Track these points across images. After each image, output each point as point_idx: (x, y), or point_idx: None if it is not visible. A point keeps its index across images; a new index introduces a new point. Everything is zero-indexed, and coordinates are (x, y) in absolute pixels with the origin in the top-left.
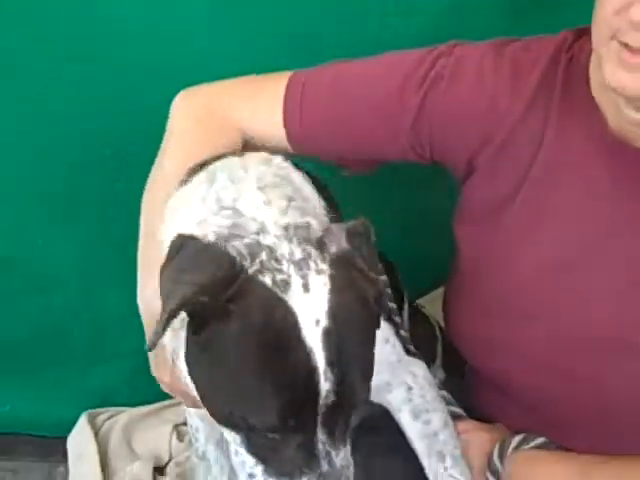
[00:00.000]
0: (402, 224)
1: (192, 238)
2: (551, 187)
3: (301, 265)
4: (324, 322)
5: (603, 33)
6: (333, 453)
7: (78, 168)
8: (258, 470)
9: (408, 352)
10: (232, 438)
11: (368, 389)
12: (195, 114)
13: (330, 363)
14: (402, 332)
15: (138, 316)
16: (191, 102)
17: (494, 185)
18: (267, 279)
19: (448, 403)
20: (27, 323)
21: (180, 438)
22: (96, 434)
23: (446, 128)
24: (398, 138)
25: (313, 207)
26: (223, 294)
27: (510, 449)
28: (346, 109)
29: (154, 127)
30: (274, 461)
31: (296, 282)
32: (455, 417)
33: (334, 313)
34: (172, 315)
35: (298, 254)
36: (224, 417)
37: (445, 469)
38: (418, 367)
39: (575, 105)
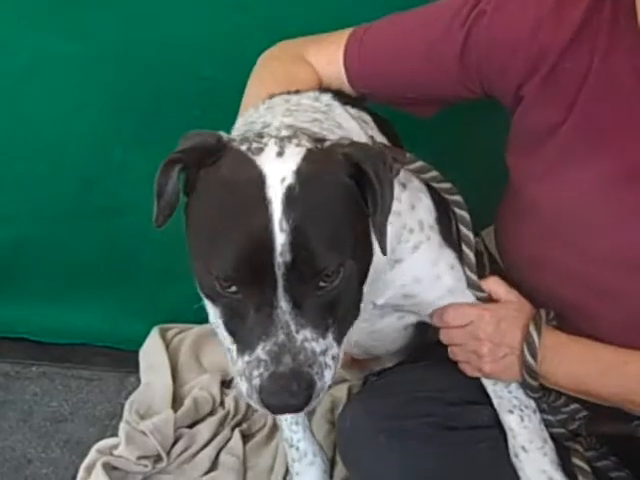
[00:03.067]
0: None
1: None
2: (601, 111)
3: (283, 140)
4: (290, 180)
5: None
6: (293, 326)
7: (160, 93)
8: (234, 349)
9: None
10: (212, 312)
11: (334, 259)
12: (271, 54)
13: (286, 215)
14: (464, 248)
15: None
16: (269, 50)
17: (542, 112)
18: (243, 147)
19: None
20: (102, 242)
21: None
22: (166, 347)
23: (491, 59)
24: (448, 72)
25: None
26: (203, 159)
27: (543, 323)
28: (400, 47)
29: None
30: (242, 335)
31: (271, 149)
32: None
33: (303, 175)
34: (160, 179)
35: (284, 133)
36: (201, 281)
37: (509, 392)
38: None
39: (621, 38)
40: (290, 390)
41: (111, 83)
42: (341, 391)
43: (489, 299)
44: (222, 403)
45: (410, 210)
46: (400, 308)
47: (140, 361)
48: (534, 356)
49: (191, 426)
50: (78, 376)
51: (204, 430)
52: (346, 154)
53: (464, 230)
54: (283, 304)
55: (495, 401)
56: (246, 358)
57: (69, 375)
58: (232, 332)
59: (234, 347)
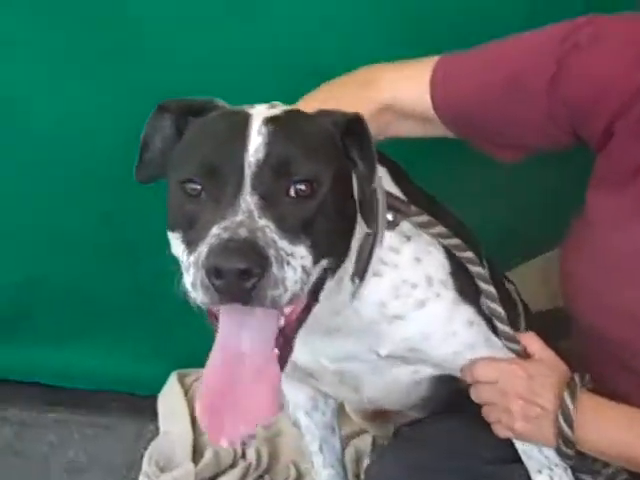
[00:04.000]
0: (495, 201)
1: None
2: None
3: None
4: (275, 112)
5: None
6: (256, 212)
7: None
8: (187, 257)
9: (495, 331)
10: (174, 242)
11: (306, 167)
12: (339, 79)
13: (266, 125)
14: (488, 302)
15: None
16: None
17: (633, 150)
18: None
19: None
20: (120, 280)
21: None
22: (185, 394)
23: (584, 93)
24: (534, 104)
25: None
26: (194, 111)
27: (578, 389)
28: (486, 74)
29: None
30: (198, 233)
31: (261, 106)
32: None
33: (289, 114)
34: (148, 127)
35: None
36: (170, 205)
37: (539, 450)
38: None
39: None
40: (240, 250)
41: (133, 119)
42: (365, 441)
43: (523, 354)
44: (244, 454)
45: (414, 264)
46: (408, 361)
47: (158, 408)
48: (570, 425)
49: (212, 479)
50: (95, 423)
51: None
52: (335, 117)
53: (483, 286)
54: (248, 197)
55: (525, 460)
56: (198, 248)
57: (85, 422)
58: (189, 241)
59: (187, 254)
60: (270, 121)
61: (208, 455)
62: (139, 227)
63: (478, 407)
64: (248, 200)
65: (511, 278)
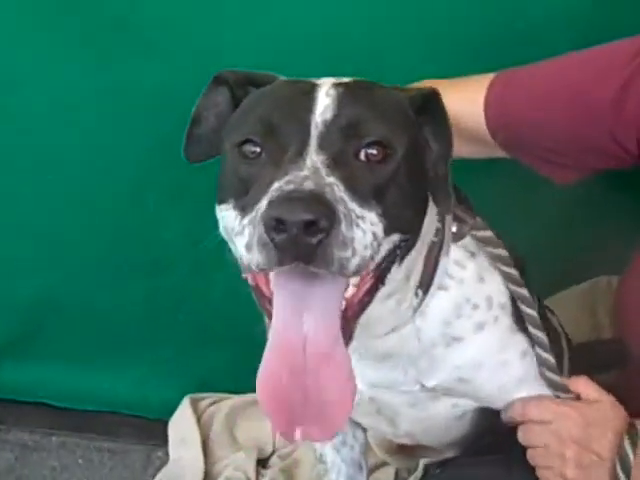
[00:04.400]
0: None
1: None
2: None
3: None
4: (345, 79)
5: None
6: (323, 170)
7: None
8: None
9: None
10: (227, 213)
11: (378, 129)
12: None
13: (335, 88)
14: (538, 350)
15: (244, 302)
16: None
17: None
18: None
19: None
20: (133, 300)
21: None
22: (198, 419)
23: None
24: (596, 120)
25: None
26: (254, 83)
27: None
28: (544, 90)
29: None
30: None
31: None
32: None
33: (359, 81)
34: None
35: None
36: (224, 173)
37: None
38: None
39: None
40: (306, 201)
41: (146, 134)
42: (387, 474)
43: (576, 399)
44: None
45: (477, 282)
46: (453, 393)
47: (169, 433)
48: (627, 475)
49: None
50: (101, 448)
51: None
52: (409, 92)
53: (533, 330)
54: (314, 156)
55: None
56: (256, 206)
57: (91, 447)
58: (244, 205)
59: (241, 218)
60: (340, 85)
61: None
62: (155, 247)
63: (520, 450)
64: (314, 159)
65: (552, 306)
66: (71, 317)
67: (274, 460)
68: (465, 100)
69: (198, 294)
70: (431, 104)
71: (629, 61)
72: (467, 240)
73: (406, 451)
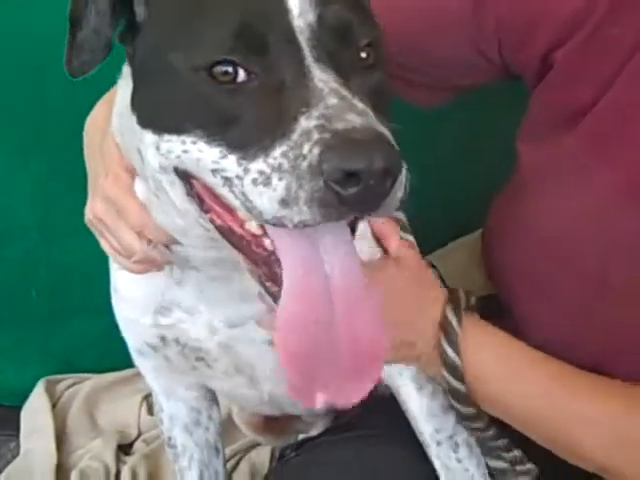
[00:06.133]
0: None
1: None
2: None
3: None
4: None
5: None
6: (346, 92)
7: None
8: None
9: None
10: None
11: (368, 28)
12: None
13: None
14: None
15: (106, 270)
16: None
17: (569, 88)
18: None
19: None
20: None
21: (151, 411)
22: (54, 405)
23: (515, 16)
24: (460, 31)
25: None
26: None
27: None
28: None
29: None
30: (260, 130)
31: None
32: None
33: None
34: None
35: None
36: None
37: (458, 460)
38: None
39: None
40: (377, 144)
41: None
42: (263, 456)
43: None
44: (118, 475)
45: None
46: None
47: (21, 423)
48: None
49: None
50: None
51: None
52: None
53: None
54: (319, 73)
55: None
56: (276, 150)
57: None
58: (243, 144)
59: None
60: None
61: (74, 478)
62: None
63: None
64: (323, 78)
65: (437, 260)
66: None
67: (138, 445)
68: None
69: (51, 264)
70: None
71: None
72: None
73: (277, 427)
